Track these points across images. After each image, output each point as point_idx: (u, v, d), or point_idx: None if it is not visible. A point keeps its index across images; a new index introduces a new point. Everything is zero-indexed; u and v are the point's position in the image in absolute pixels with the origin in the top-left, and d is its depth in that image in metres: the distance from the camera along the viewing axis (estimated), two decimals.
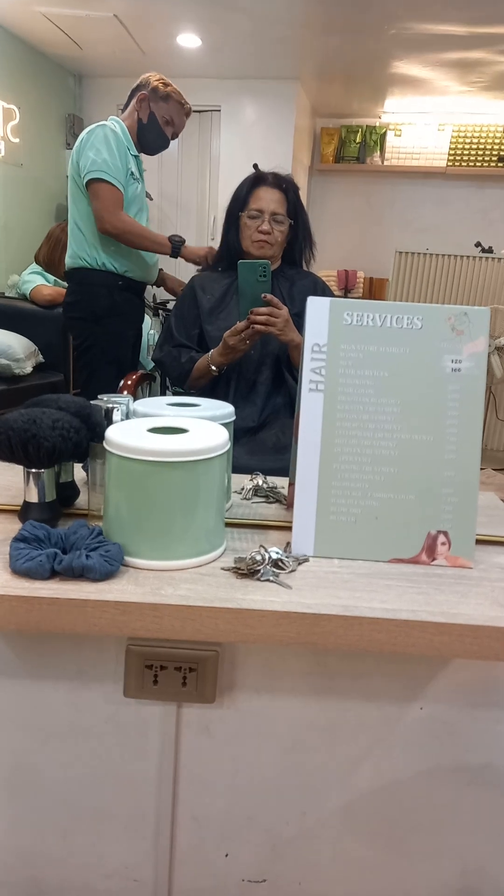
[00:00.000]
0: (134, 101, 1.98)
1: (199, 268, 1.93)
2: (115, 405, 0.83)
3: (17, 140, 3.31)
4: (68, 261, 2.00)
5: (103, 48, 3.18)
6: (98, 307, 1.99)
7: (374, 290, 4.38)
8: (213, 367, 1.51)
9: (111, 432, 0.73)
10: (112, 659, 0.85)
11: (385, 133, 4.29)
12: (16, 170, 3.25)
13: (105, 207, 1.87)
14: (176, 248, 1.89)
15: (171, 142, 2.04)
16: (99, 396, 0.85)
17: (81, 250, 1.96)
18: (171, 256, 1.91)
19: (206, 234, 4.03)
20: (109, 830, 0.95)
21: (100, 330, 2.00)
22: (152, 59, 3.20)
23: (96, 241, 1.93)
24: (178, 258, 1.92)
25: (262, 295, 1.41)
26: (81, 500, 0.88)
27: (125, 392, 1.76)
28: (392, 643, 0.68)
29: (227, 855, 0.95)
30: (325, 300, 0.78)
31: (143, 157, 2.08)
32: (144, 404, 0.90)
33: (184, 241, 1.91)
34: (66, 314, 2.07)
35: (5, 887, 1.00)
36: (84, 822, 0.94)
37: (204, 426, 0.78)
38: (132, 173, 1.97)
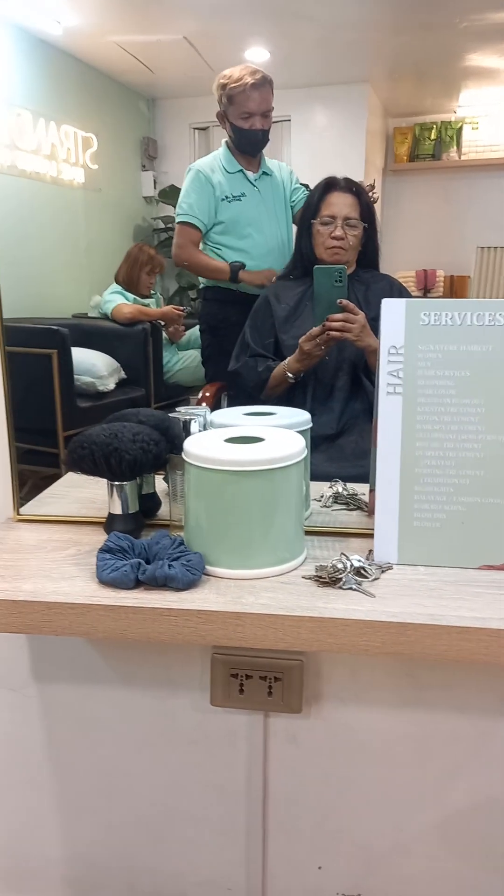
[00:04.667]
0: (220, 124, 2.05)
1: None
2: (192, 417, 0.84)
3: (95, 166, 3.45)
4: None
5: (174, 70, 3.25)
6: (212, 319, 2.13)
7: (456, 288, 4.25)
8: (290, 375, 1.51)
9: (189, 444, 0.74)
10: (198, 667, 0.86)
11: (461, 127, 4.17)
12: (95, 195, 3.38)
13: (177, 244, 1.98)
14: (233, 273, 1.93)
15: (264, 130, 2.04)
16: (177, 409, 0.87)
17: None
18: (230, 281, 1.96)
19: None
20: (202, 838, 0.95)
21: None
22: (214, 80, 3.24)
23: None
24: (241, 282, 1.95)
25: (338, 301, 1.40)
26: (163, 510, 0.89)
27: (203, 403, 1.79)
28: (483, 653, 0.65)
29: (319, 867, 0.93)
30: (401, 301, 0.76)
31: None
32: (221, 415, 0.90)
33: (242, 266, 1.94)
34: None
35: (105, 890, 1.03)
36: (176, 830, 0.96)
37: (280, 434, 0.77)
38: (226, 197, 2.03)
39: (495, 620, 0.65)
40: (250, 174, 2.08)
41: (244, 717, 0.87)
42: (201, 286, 2.17)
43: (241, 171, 2.08)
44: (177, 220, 2.12)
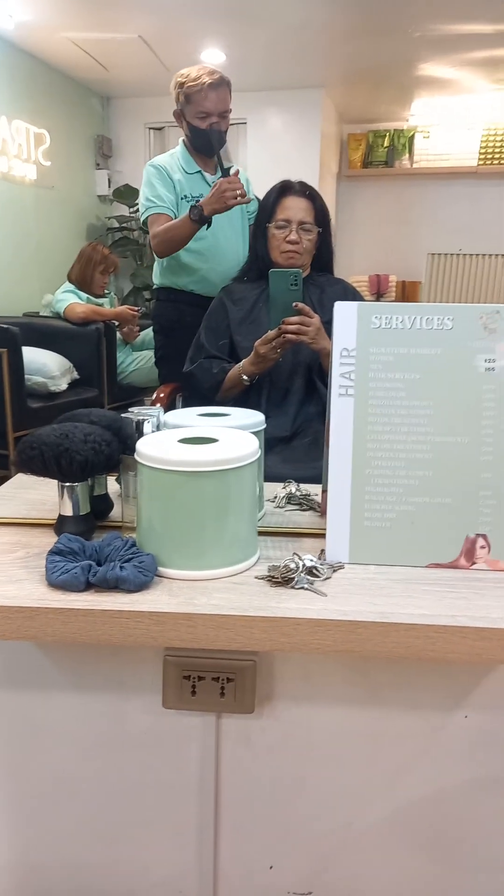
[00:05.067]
0: (177, 123, 2.02)
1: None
2: (145, 417, 0.84)
3: (48, 163, 3.38)
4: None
5: (129, 69, 3.23)
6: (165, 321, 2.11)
7: (408, 293, 4.34)
8: (245, 377, 1.51)
9: (142, 444, 0.73)
10: (150, 670, 0.85)
11: (413, 136, 4.26)
12: (48, 192, 3.33)
13: (153, 234, 1.95)
14: (194, 216, 1.86)
15: (220, 131, 2.00)
16: (130, 409, 0.86)
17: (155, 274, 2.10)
18: (198, 223, 1.87)
19: None
20: (154, 841, 0.95)
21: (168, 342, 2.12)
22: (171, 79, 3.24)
23: (159, 265, 2.05)
24: (206, 215, 1.85)
25: (294, 304, 1.41)
26: (115, 512, 0.89)
27: (157, 404, 1.77)
28: (431, 650, 0.66)
29: (271, 867, 0.94)
30: (353, 304, 0.78)
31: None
32: (175, 416, 0.90)
33: (199, 207, 1.86)
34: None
35: (53, 895, 1.01)
36: (128, 832, 0.95)
37: (234, 435, 0.78)
38: (185, 197, 2.00)
39: (443, 617, 0.66)
40: (209, 176, 2.07)
41: (197, 718, 0.87)
42: (154, 287, 2.13)
43: (199, 172, 2.06)
44: (146, 213, 2.06)
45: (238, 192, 1.78)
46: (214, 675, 0.81)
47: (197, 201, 1.86)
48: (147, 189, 1.99)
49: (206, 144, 2.02)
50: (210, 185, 1.96)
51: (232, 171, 1.93)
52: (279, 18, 2.54)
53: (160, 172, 1.99)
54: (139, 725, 0.88)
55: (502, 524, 0.77)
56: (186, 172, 2.02)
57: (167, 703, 0.83)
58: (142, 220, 2.00)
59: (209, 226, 1.88)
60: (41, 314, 3.33)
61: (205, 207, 1.82)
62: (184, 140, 2.06)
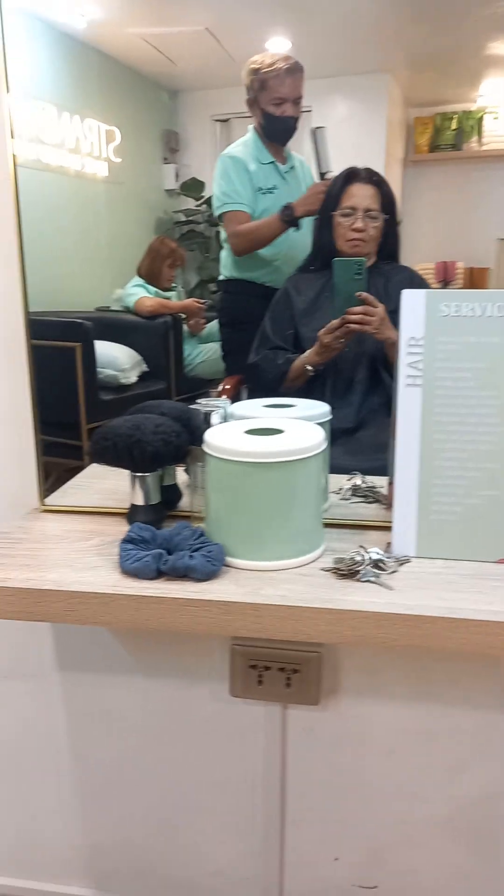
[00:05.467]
0: (249, 112, 2.02)
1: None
2: (213, 408, 0.85)
3: (118, 160, 3.45)
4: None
5: (195, 61, 3.23)
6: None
7: (475, 280, 4.20)
8: (309, 367, 1.51)
9: (209, 435, 0.74)
10: (218, 658, 0.87)
11: (482, 117, 4.11)
12: (118, 188, 3.38)
13: (230, 232, 1.95)
14: (286, 217, 1.85)
15: (295, 118, 2.00)
16: (197, 401, 0.88)
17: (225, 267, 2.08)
18: (288, 225, 1.87)
19: None
20: (218, 827, 0.97)
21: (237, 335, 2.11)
22: (243, 66, 3.23)
23: (229, 257, 2.04)
24: (296, 216, 1.85)
25: (357, 293, 1.39)
26: (184, 501, 0.90)
27: (224, 396, 1.79)
28: (500, 647, 0.65)
29: (336, 859, 0.94)
30: (421, 292, 0.76)
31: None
32: (242, 407, 0.91)
33: (291, 208, 1.85)
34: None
35: (116, 876, 1.05)
36: (193, 818, 0.97)
37: (300, 426, 0.78)
38: (260, 188, 2.00)
39: None
40: (281, 166, 2.06)
41: (262, 708, 0.88)
42: (221, 278, 2.15)
43: (272, 162, 2.05)
44: (224, 209, 2.06)
45: None
46: (280, 666, 0.81)
47: (271, 192, 1.86)
48: (223, 182, 1.97)
49: (281, 131, 2.00)
50: (282, 177, 1.95)
51: (328, 176, 1.92)
52: (345, 2, 2.48)
53: (236, 164, 1.98)
54: (206, 712, 0.90)
55: None
56: (260, 163, 2.02)
57: (234, 692, 0.85)
58: (216, 214, 2.00)
59: (298, 228, 1.88)
60: (112, 308, 3.39)
61: (297, 209, 1.81)
62: (255, 129, 2.05)
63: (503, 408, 0.74)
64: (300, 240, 2.09)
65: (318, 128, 1.95)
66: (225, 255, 2.11)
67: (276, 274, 2.05)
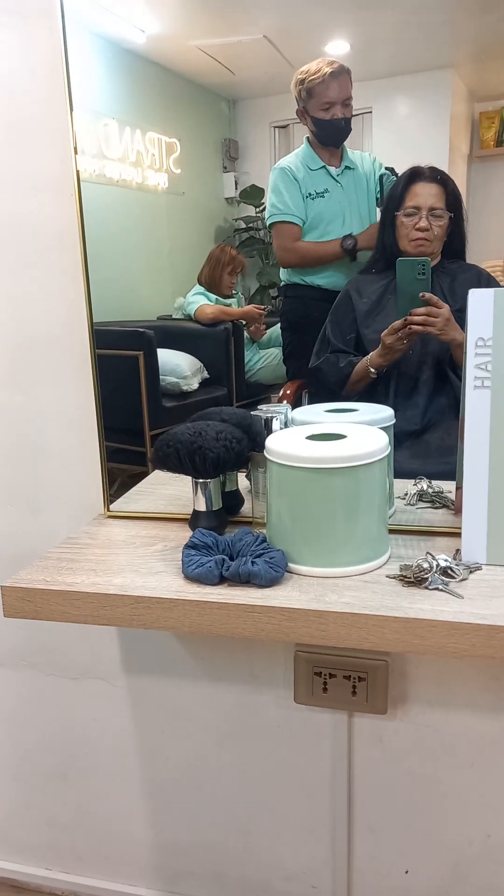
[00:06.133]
0: (301, 121, 2.04)
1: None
2: (274, 414, 0.84)
3: (178, 170, 3.52)
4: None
5: (254, 69, 3.26)
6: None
7: None
8: (372, 370, 1.48)
9: (270, 441, 0.74)
10: (282, 664, 0.86)
11: None
12: (179, 198, 3.44)
13: (280, 245, 1.97)
14: (348, 250, 1.86)
15: (346, 119, 2.01)
16: (259, 407, 0.87)
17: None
18: (347, 254, 1.88)
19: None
20: (286, 833, 0.96)
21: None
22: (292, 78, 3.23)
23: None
24: (358, 248, 1.86)
25: (421, 294, 1.36)
26: (246, 507, 0.90)
27: (284, 401, 1.79)
28: None
29: (406, 871, 0.92)
30: (490, 291, 0.74)
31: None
32: (303, 412, 0.90)
33: (354, 239, 1.85)
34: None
35: (192, 878, 1.05)
36: (261, 823, 0.96)
37: (363, 431, 0.76)
38: (310, 194, 2.02)
39: None
40: (333, 169, 2.06)
41: (328, 715, 0.87)
42: (282, 284, 2.17)
43: (323, 167, 2.06)
44: (272, 220, 2.11)
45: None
46: (346, 674, 0.80)
47: (322, 196, 1.86)
48: (273, 195, 2.02)
49: (333, 134, 2.01)
50: (335, 179, 1.94)
51: (360, 162, 1.91)
52: (404, 1, 2.45)
53: (285, 175, 2.01)
54: (271, 718, 0.90)
55: None
56: (310, 169, 2.02)
57: (299, 699, 0.84)
58: (267, 224, 2.03)
59: (354, 259, 1.88)
60: (174, 317, 3.45)
61: (359, 240, 1.83)
62: (308, 138, 2.07)
63: None
64: None
65: (386, 174, 1.93)
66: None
67: (335, 277, 2.04)
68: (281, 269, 2.15)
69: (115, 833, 1.08)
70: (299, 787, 0.93)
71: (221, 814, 0.99)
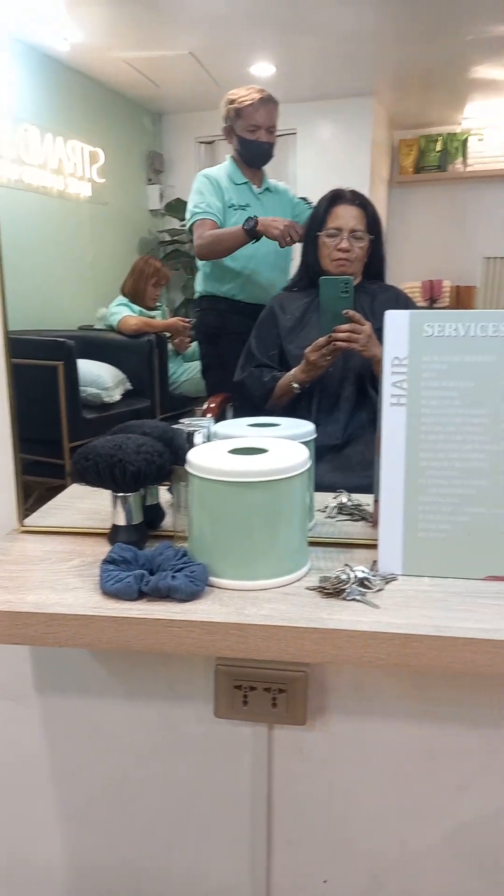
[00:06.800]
0: (226, 139, 2.08)
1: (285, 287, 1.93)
2: (196, 428, 0.84)
3: (102, 180, 3.49)
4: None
5: (179, 85, 3.28)
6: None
7: (462, 298, 4.25)
8: (295, 385, 1.51)
9: (192, 455, 0.74)
10: (202, 679, 0.86)
11: (466, 139, 4.18)
12: (101, 208, 3.42)
13: (196, 237, 1.99)
14: (249, 231, 1.92)
15: (269, 143, 2.08)
16: (181, 420, 0.87)
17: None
18: (248, 235, 1.94)
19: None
20: (207, 849, 0.95)
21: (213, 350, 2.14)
22: (227, 90, 3.28)
23: (202, 273, 2.08)
24: (257, 229, 1.92)
25: (344, 311, 1.40)
26: (167, 521, 0.89)
27: (208, 414, 1.79)
28: (489, 665, 0.64)
29: (325, 881, 0.92)
30: (405, 313, 0.76)
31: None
32: (225, 426, 0.90)
33: (255, 220, 1.92)
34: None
35: None
36: (181, 839, 0.95)
37: (284, 445, 0.77)
38: (232, 205, 2.05)
39: (502, 632, 0.64)
40: (255, 188, 2.12)
41: (249, 728, 0.87)
42: (196, 296, 2.18)
43: (247, 183, 2.11)
44: (194, 219, 2.14)
45: (288, 239, 1.84)
46: (266, 686, 0.80)
47: (244, 210, 1.91)
48: (195, 196, 2.06)
49: (257, 156, 2.07)
50: (256, 197, 2.00)
51: (277, 190, 2.00)
52: (329, 28, 2.53)
53: (209, 181, 2.06)
54: (191, 733, 0.89)
55: None
56: (234, 183, 2.08)
57: (219, 713, 0.83)
58: (188, 225, 2.06)
59: (257, 240, 1.93)
60: (95, 327, 3.40)
61: (259, 223, 1.87)
62: (232, 156, 2.13)
63: (490, 425, 0.75)
64: (264, 258, 2.14)
65: (300, 202, 2.03)
66: (199, 273, 2.16)
67: (244, 290, 2.09)
68: (196, 281, 2.17)
69: (29, 859, 1.04)
70: (221, 801, 0.92)
71: (142, 832, 0.97)
